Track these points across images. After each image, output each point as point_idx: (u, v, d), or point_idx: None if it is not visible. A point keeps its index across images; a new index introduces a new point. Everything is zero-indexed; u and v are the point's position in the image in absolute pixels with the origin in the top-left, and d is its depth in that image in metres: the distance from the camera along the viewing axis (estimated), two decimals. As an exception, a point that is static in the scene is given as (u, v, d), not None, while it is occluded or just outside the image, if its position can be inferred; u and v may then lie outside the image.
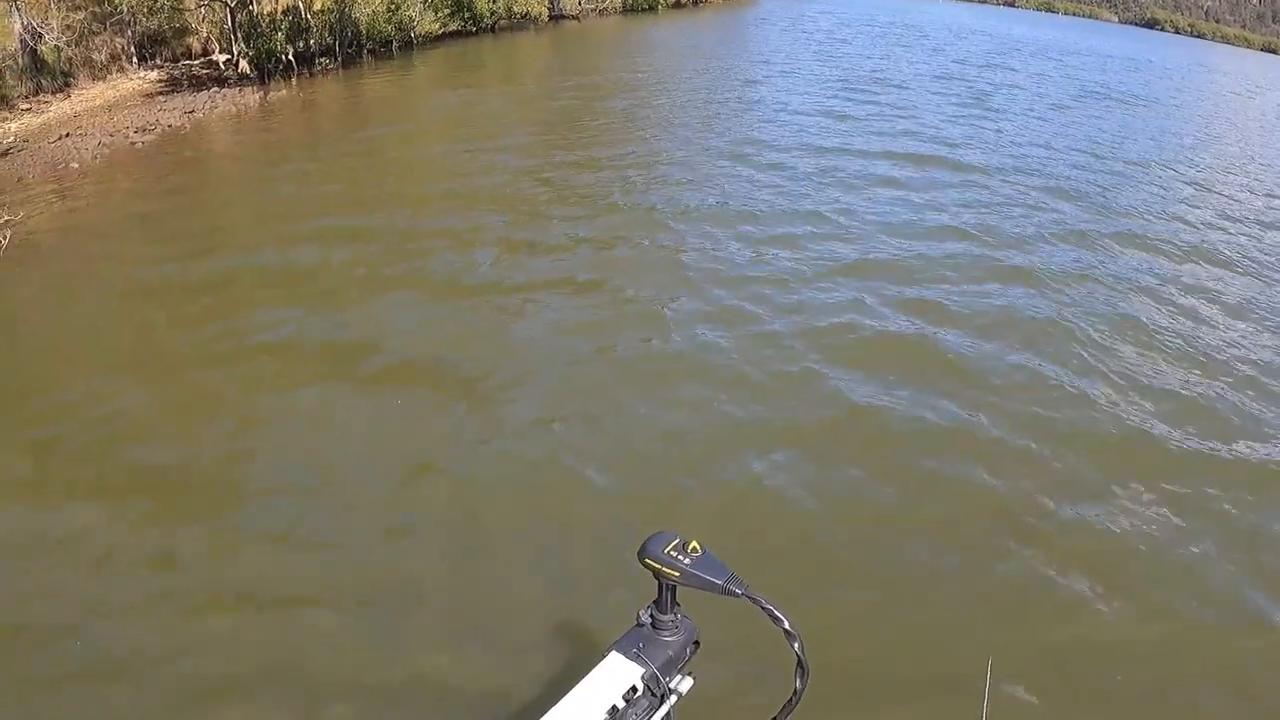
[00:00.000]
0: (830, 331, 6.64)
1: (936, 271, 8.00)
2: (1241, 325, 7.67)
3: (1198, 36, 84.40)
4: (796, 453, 5.13)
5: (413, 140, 12.01)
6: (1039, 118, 17.55)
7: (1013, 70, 25.15)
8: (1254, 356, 7.03)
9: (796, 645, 1.33)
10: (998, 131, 15.12)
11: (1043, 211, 10.39)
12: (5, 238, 7.23)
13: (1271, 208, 12.44)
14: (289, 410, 5.27)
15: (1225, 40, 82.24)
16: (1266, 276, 9.15)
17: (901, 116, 15.17)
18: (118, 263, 7.20)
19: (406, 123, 13.04)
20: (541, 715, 1.28)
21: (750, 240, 8.46)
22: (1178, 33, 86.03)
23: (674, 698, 1.41)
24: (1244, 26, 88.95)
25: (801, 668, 1.36)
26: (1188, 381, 6.39)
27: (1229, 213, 11.73)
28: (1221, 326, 7.59)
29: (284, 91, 14.17)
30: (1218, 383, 6.41)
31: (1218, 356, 6.89)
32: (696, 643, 1.49)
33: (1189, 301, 8.02)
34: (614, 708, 1.33)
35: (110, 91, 13.90)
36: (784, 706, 1.40)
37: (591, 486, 4.69)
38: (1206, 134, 19.00)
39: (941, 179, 11.31)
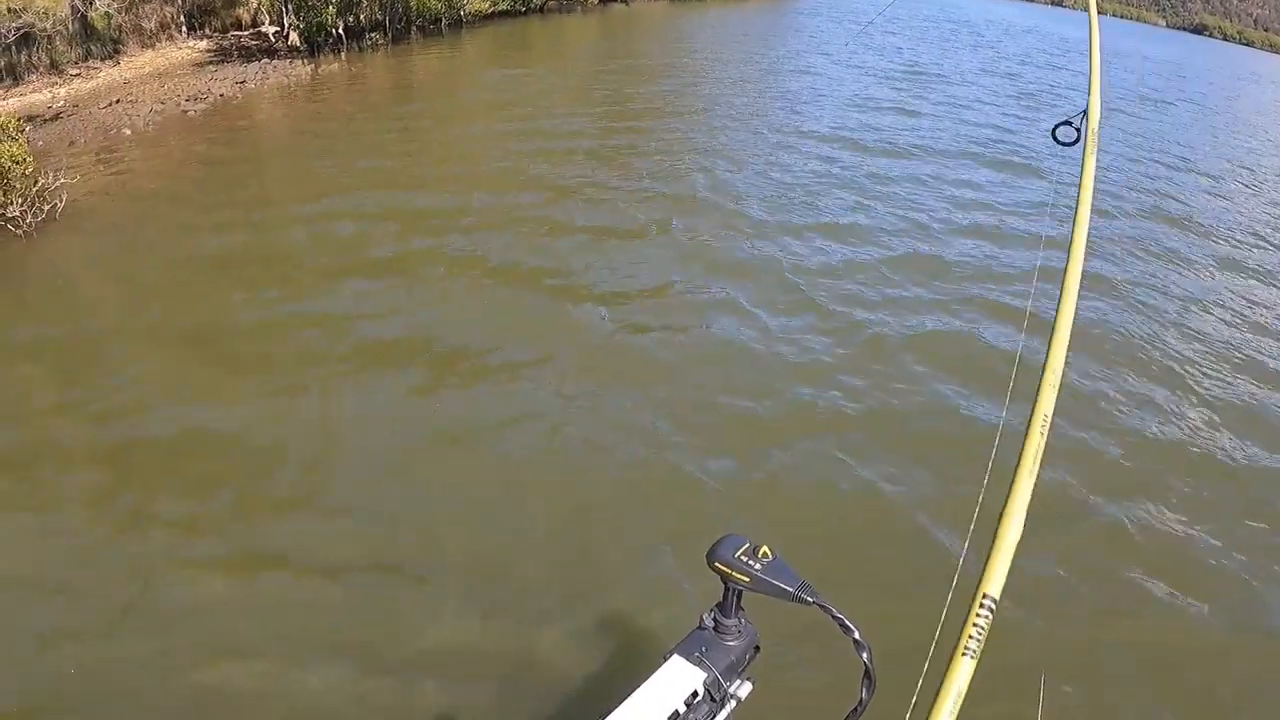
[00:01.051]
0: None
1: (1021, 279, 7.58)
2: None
3: (1246, 44, 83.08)
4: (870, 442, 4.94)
5: (462, 118, 11.69)
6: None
7: (1069, 70, 24.47)
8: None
9: (865, 655, 1.30)
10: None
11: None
12: (61, 200, 6.95)
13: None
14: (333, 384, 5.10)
15: (1273, 48, 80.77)
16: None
17: (965, 112, 14.70)
18: (170, 230, 7.00)
19: (457, 99, 12.78)
20: (602, 718, 1.25)
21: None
22: (1225, 39, 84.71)
23: (733, 703, 1.39)
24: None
25: (869, 678, 1.32)
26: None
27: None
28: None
29: (334, 65, 13.90)
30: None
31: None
32: (757, 647, 1.46)
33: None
34: (675, 713, 1.31)
35: (160, 60, 13.69)
36: (848, 717, 1.35)
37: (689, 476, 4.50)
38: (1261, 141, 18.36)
39: (1010, 181, 10.82)
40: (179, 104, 10.99)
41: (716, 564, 1.32)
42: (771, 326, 6.12)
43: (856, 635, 1.28)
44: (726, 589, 1.36)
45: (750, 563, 1.31)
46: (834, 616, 1.27)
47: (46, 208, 6.86)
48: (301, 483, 4.31)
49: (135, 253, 6.60)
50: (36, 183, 6.84)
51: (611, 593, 3.90)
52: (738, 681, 1.39)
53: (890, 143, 11.60)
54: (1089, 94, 2.27)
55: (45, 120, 9.99)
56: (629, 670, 3.21)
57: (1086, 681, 3.50)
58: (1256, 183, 13.12)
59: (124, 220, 7.21)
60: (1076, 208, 1.78)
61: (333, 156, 9.23)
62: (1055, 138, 2.28)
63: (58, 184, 6.98)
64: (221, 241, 6.81)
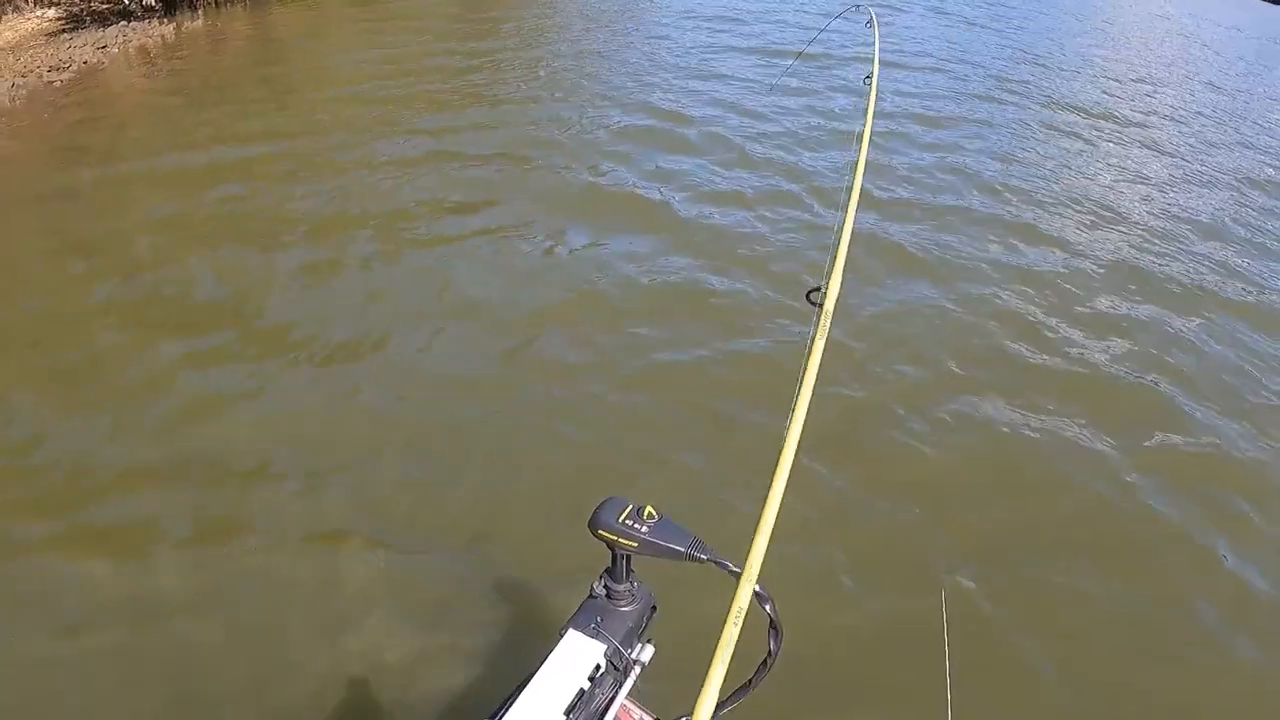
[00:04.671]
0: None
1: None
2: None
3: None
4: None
5: (327, 67, 11.86)
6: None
7: None
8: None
9: (769, 607, 1.28)
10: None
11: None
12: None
13: None
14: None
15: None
16: None
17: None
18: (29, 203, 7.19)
19: (320, 49, 12.95)
20: (502, 706, 1.25)
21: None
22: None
23: (638, 669, 1.38)
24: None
25: (775, 629, 1.31)
26: None
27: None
28: None
29: (196, 23, 13.75)
30: None
31: None
32: (654, 608, 1.45)
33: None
34: (580, 691, 1.28)
35: (9, 32, 13.27)
36: (758, 669, 1.35)
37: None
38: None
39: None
40: (41, 75, 10.87)
41: (601, 531, 1.31)
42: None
43: (757, 588, 1.24)
44: (614, 555, 1.35)
45: (636, 526, 1.29)
46: (731, 571, 1.25)
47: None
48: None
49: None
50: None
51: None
52: (638, 646, 1.40)
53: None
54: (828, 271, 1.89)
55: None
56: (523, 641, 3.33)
57: (984, 570, 3.84)
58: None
59: None
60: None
61: (205, 111, 9.39)
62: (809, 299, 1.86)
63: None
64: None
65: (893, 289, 6.36)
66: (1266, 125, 12.87)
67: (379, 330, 5.41)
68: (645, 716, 1.50)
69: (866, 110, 2.49)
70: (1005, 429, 4.97)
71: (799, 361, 1.54)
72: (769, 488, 1.28)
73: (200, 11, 14.37)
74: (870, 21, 3.45)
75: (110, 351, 5.09)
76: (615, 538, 1.30)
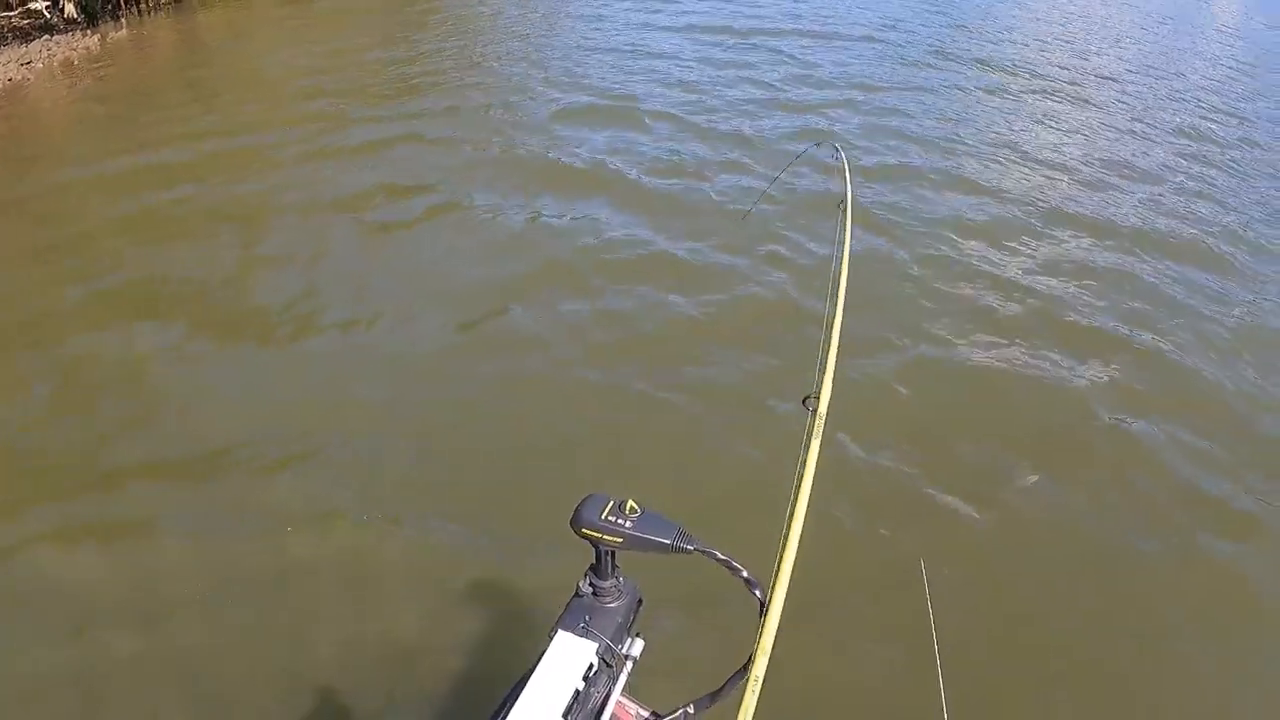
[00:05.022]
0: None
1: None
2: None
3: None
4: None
5: (257, 69, 11.79)
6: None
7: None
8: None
9: (759, 592, 1.28)
10: None
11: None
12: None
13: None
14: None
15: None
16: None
17: None
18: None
19: (248, 50, 12.82)
20: (498, 712, 1.25)
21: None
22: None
23: (630, 664, 1.38)
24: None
25: (765, 614, 1.31)
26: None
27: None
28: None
29: (121, 33, 13.53)
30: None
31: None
32: (640, 601, 1.44)
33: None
34: (576, 692, 1.27)
35: (-74, 54, 12.99)
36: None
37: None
38: None
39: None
40: (-35, 94, 10.68)
41: (584, 530, 1.29)
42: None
43: (745, 574, 1.27)
44: (598, 552, 1.34)
45: (619, 521, 1.28)
46: (719, 559, 1.26)
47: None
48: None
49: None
50: None
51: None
52: (629, 641, 1.39)
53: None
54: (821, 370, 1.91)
55: None
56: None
57: (961, 559, 3.83)
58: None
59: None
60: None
61: (140, 117, 9.32)
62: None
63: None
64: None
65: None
66: (1191, 78, 13.34)
67: (344, 313, 5.53)
68: (641, 711, 1.49)
69: (843, 238, 2.48)
70: (976, 365, 5.30)
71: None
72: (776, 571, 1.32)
73: (124, 21, 14.16)
74: (837, 155, 3.37)
75: (86, 347, 5.15)
76: (599, 535, 1.28)
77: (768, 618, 1.26)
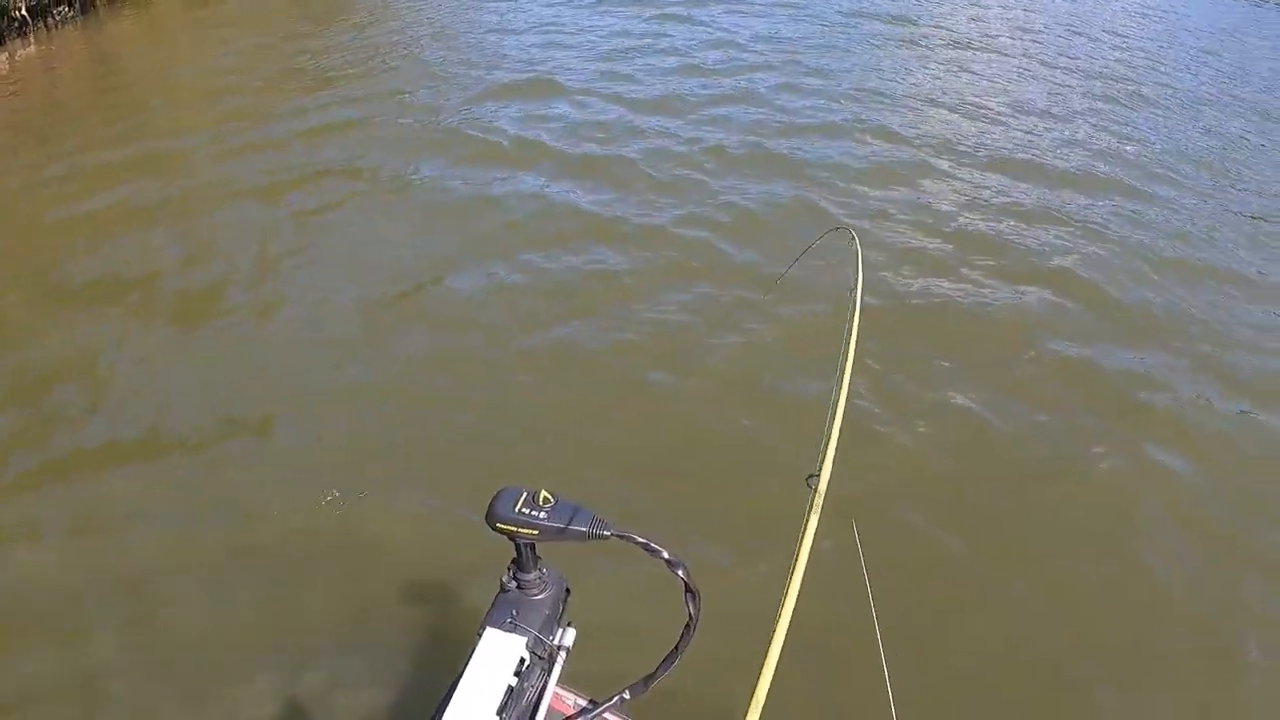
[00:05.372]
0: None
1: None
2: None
3: None
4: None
5: (176, 74, 11.73)
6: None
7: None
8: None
9: (681, 572, 1.29)
10: None
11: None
12: None
13: None
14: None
15: None
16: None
17: None
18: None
19: (165, 57, 12.71)
20: (436, 715, 1.24)
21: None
22: None
23: (563, 654, 1.38)
24: None
25: (691, 593, 1.31)
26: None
27: None
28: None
29: (30, 49, 13.29)
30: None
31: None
32: (568, 590, 1.45)
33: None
34: (509, 688, 1.28)
35: None
36: (682, 634, 1.34)
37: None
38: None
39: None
40: None
41: (498, 525, 1.28)
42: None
43: (666, 555, 1.26)
44: (518, 545, 1.34)
45: (534, 513, 1.27)
46: (637, 543, 1.26)
47: None
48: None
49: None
50: None
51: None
52: (559, 631, 1.39)
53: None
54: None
55: None
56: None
57: (887, 515, 3.90)
58: None
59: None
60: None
61: (53, 132, 9.25)
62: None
63: None
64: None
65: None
66: (1108, 29, 13.86)
67: (276, 295, 5.71)
68: (580, 700, 1.50)
69: (852, 320, 2.50)
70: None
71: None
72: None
73: (32, 38, 13.91)
74: (852, 240, 3.33)
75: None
76: (515, 528, 1.27)
77: (773, 641, 1.36)
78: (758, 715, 1.34)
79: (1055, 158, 8.10)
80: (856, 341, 2.35)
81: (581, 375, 4.90)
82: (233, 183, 7.34)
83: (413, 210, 6.85)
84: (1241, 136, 9.36)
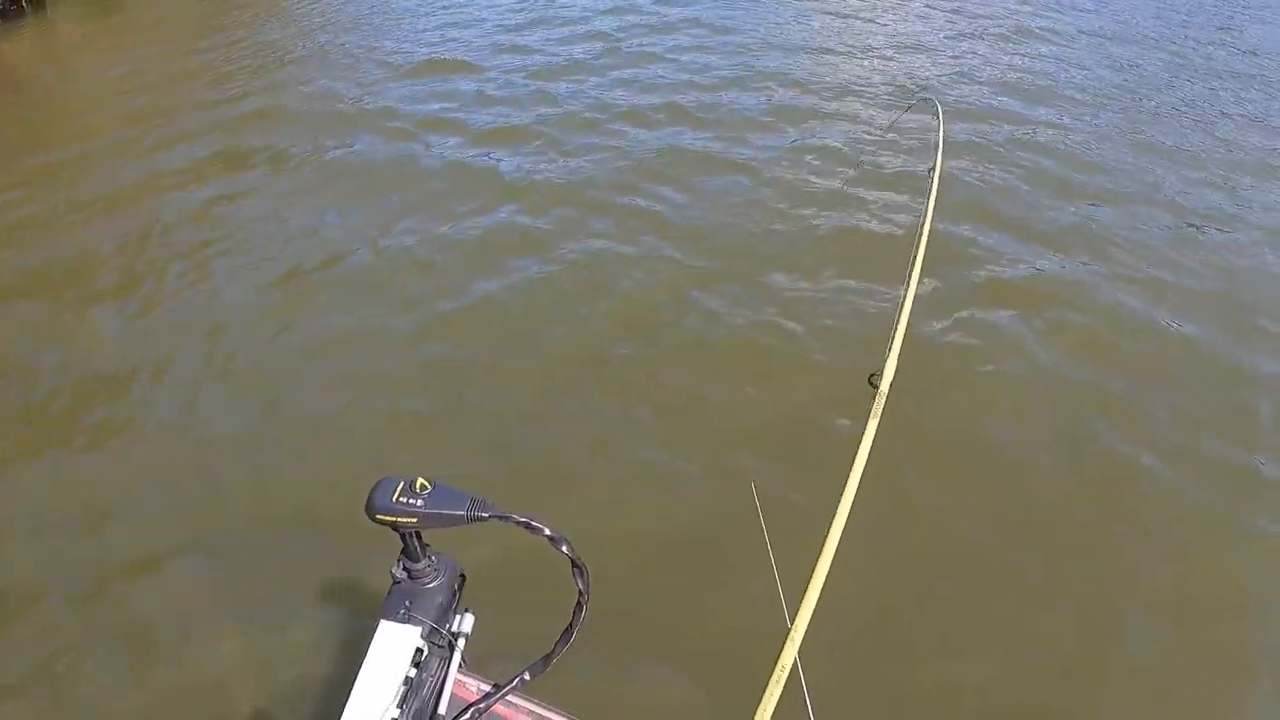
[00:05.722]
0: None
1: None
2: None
3: None
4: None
5: (78, 86, 11.62)
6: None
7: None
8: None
9: (565, 548, 1.28)
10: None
11: None
12: None
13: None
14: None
15: None
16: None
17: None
18: None
19: (65, 70, 12.52)
20: (335, 715, 1.23)
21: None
22: None
23: (461, 640, 1.38)
24: None
25: (578, 567, 1.31)
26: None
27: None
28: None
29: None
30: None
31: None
32: (463, 576, 1.44)
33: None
34: (408, 679, 1.28)
35: None
36: (574, 611, 1.34)
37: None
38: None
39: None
40: None
41: (378, 516, 1.27)
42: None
43: (547, 532, 1.26)
44: (402, 535, 1.34)
45: (411, 501, 1.26)
46: (517, 522, 1.25)
47: None
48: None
49: None
50: None
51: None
52: (456, 618, 1.39)
53: None
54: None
55: None
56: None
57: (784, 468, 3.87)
58: None
59: None
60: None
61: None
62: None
63: None
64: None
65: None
66: None
67: (196, 275, 5.88)
68: (483, 685, 1.49)
69: (929, 196, 2.62)
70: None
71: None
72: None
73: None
74: (936, 114, 3.40)
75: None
76: (394, 518, 1.26)
77: (801, 608, 1.44)
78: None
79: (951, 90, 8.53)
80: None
81: (499, 332, 5.10)
82: (145, 181, 7.41)
83: (328, 191, 6.99)
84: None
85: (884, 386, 1.86)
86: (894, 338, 2.00)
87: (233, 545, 3.70)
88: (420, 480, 1.26)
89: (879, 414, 1.79)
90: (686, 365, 4.67)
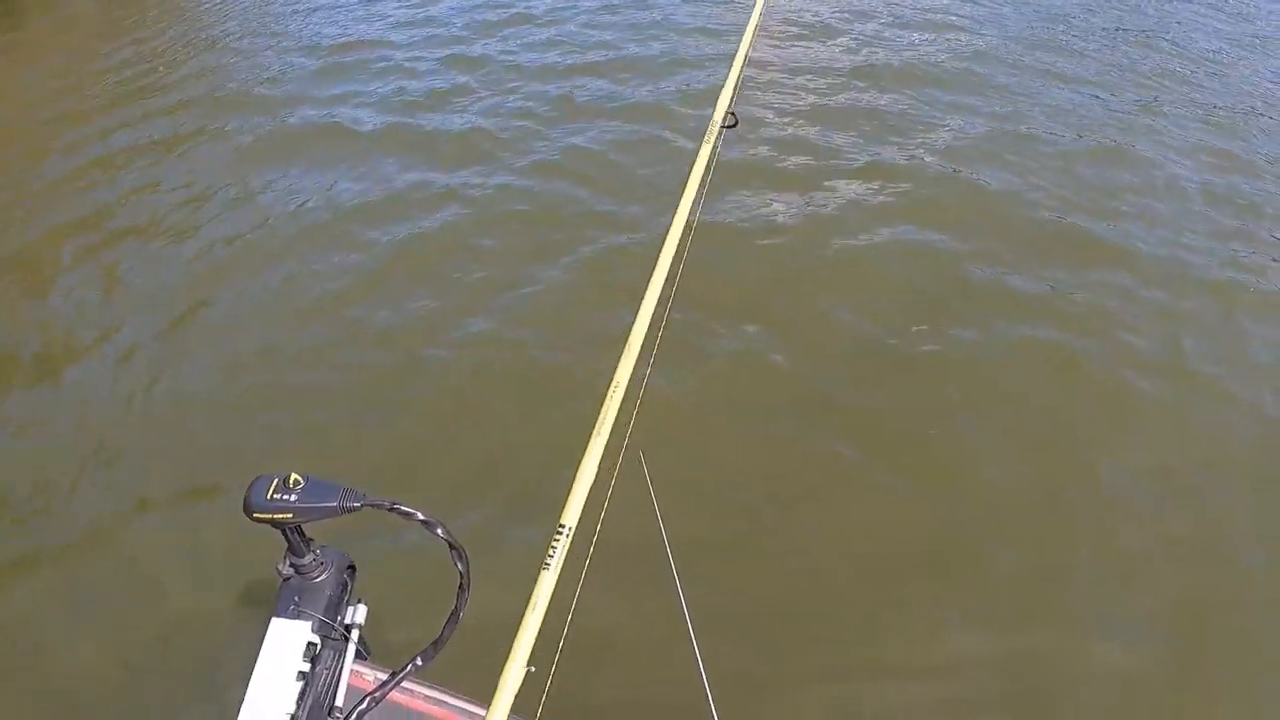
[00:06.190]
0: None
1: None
2: None
3: None
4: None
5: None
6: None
7: None
8: None
9: (440, 531, 1.31)
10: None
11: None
12: None
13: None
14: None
15: None
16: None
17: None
18: None
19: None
20: (231, 715, 1.24)
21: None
22: None
23: (355, 632, 1.39)
24: None
25: (456, 551, 1.33)
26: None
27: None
28: None
29: None
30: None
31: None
32: (352, 567, 1.45)
33: None
34: (302, 674, 1.29)
35: None
36: (458, 594, 1.36)
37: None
38: None
39: None
40: None
41: (256, 515, 1.27)
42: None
43: (421, 517, 1.29)
44: (283, 532, 1.34)
45: (285, 497, 1.26)
46: (390, 509, 1.27)
47: None
48: None
49: None
50: None
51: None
52: (348, 610, 1.40)
53: None
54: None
55: None
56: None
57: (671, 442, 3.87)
58: None
59: None
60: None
61: None
62: None
63: None
64: None
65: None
66: None
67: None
68: (380, 675, 1.50)
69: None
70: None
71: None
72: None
73: None
74: None
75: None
76: (271, 515, 1.27)
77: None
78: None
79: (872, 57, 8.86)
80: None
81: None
82: (62, 179, 7.36)
83: (246, 168, 7.08)
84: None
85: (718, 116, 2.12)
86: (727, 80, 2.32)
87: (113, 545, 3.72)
88: (294, 476, 1.27)
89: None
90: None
